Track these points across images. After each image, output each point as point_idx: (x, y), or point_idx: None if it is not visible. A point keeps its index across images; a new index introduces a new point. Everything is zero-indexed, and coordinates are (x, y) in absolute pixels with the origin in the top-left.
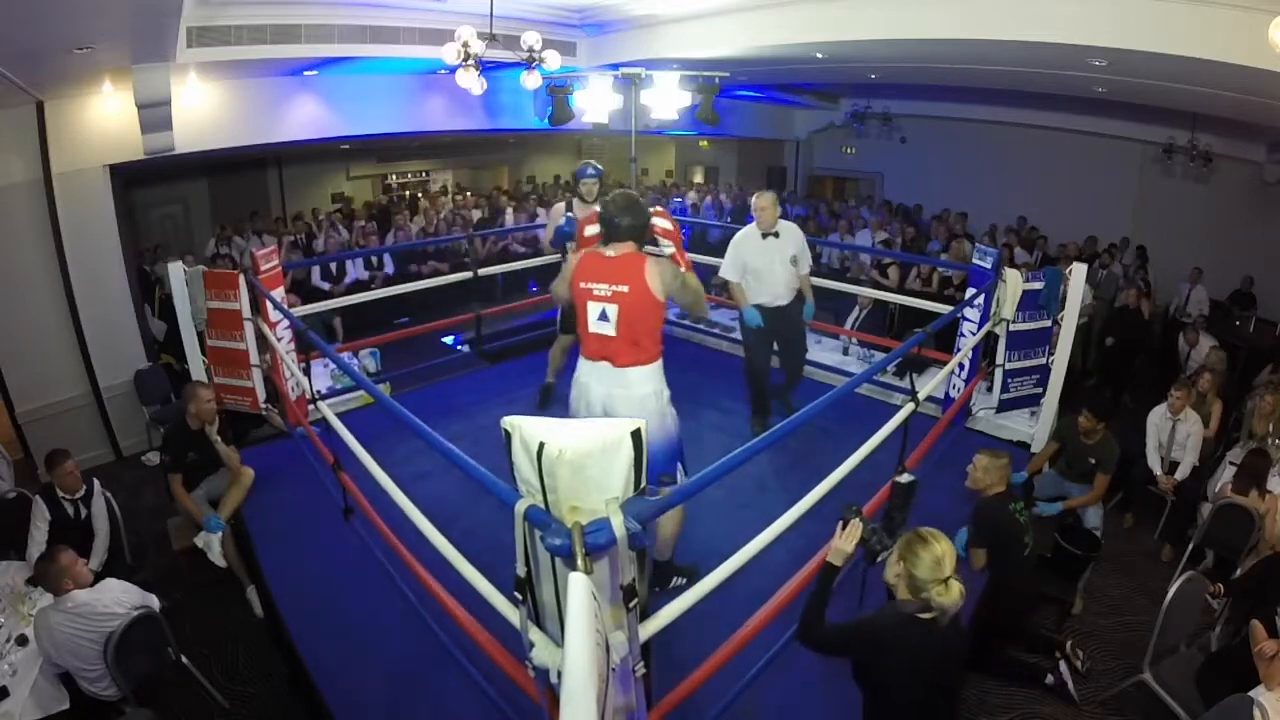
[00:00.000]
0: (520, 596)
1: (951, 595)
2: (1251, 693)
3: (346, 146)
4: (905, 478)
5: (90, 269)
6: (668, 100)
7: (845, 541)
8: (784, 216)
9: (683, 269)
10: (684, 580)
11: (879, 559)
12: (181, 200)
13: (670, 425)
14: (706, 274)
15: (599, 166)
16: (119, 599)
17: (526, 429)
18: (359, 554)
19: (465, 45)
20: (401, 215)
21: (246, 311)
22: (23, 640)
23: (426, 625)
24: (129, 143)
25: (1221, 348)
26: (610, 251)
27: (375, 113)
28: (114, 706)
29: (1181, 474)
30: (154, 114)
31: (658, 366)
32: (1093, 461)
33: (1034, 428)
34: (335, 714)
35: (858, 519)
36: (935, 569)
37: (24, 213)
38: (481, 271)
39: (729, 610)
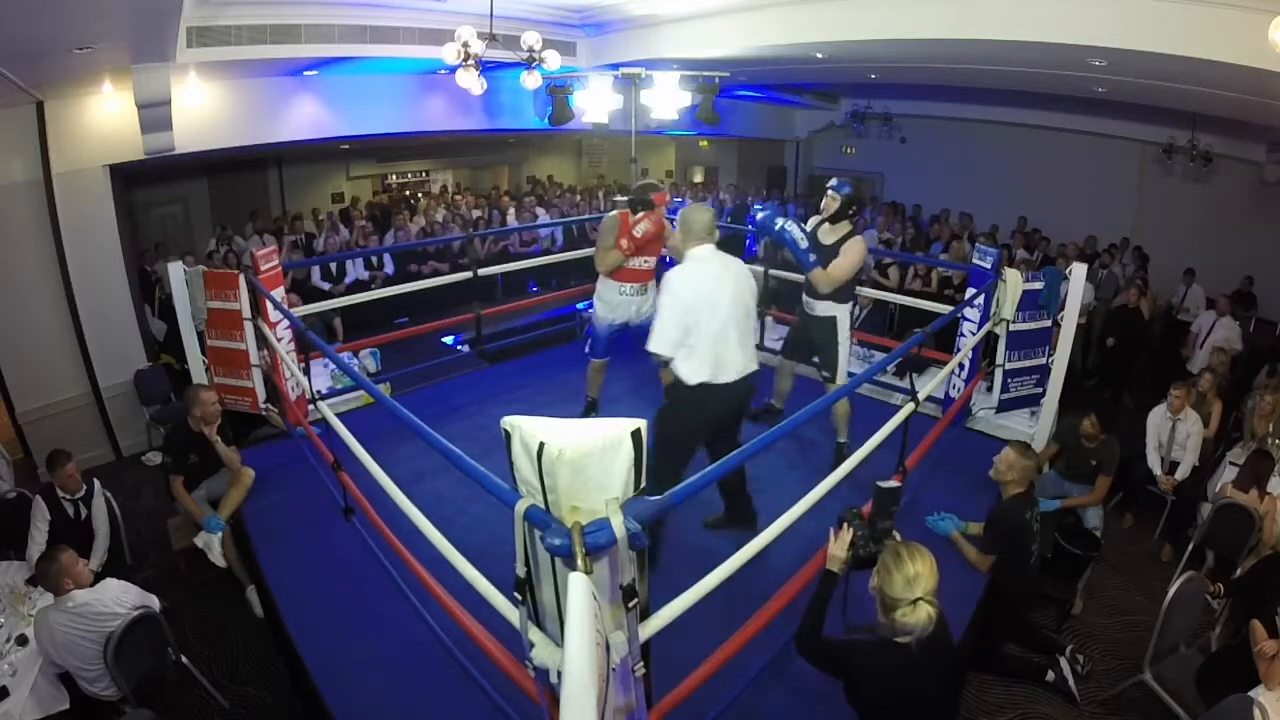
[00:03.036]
0: (520, 596)
1: (918, 617)
2: (1251, 693)
3: (346, 146)
4: (888, 483)
5: (90, 269)
6: (668, 100)
7: (838, 547)
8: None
9: (627, 241)
10: None
11: (862, 567)
12: (181, 200)
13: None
14: None
15: (844, 183)
16: (119, 599)
17: (526, 429)
18: (359, 554)
19: (465, 45)
20: (402, 215)
21: (246, 311)
22: (23, 640)
23: (427, 625)
24: (129, 143)
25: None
26: None
27: (375, 113)
28: (114, 706)
29: (1181, 474)
30: (154, 114)
31: (601, 280)
32: (1094, 463)
33: (1034, 428)
34: (335, 714)
35: (848, 525)
36: (906, 588)
37: (24, 213)
38: (481, 271)
39: (729, 610)
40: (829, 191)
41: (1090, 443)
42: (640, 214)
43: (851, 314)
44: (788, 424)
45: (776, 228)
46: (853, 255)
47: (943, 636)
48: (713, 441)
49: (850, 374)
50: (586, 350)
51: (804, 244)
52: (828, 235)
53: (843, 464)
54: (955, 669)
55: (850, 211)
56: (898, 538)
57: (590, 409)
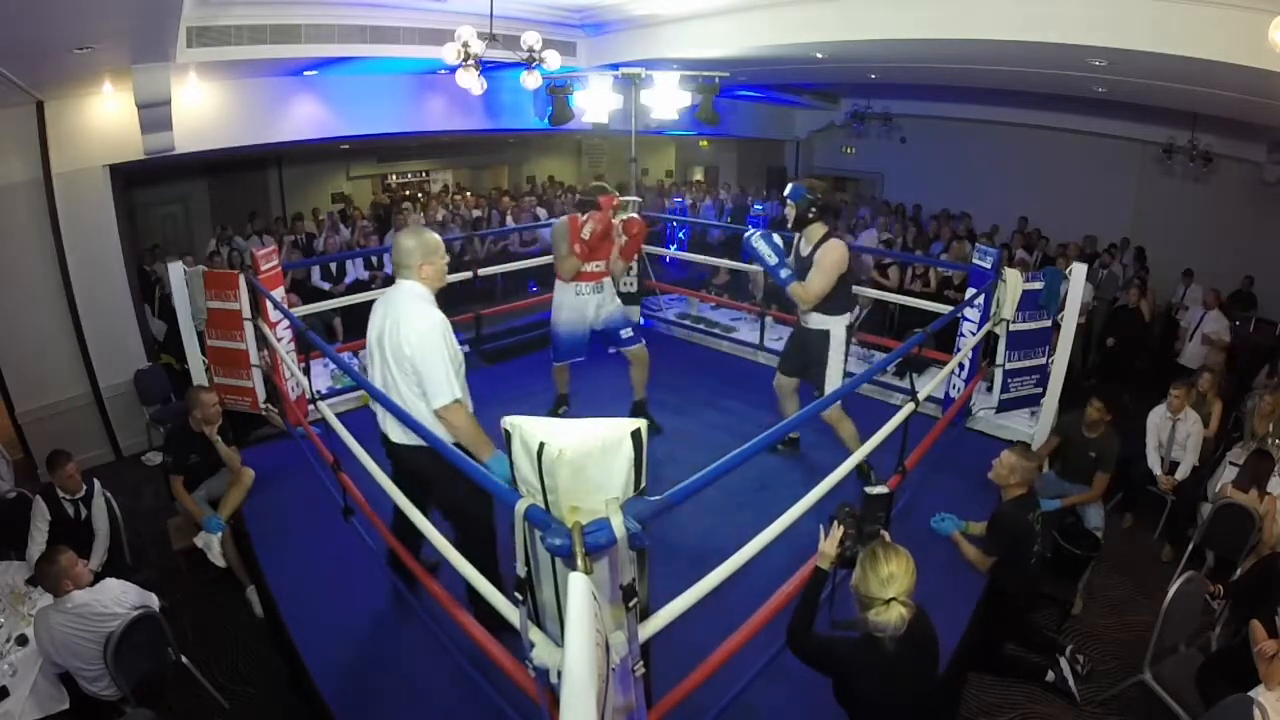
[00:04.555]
0: (520, 596)
1: (890, 617)
2: (1251, 693)
3: (346, 146)
4: (877, 489)
5: (90, 269)
6: (668, 100)
7: (829, 545)
8: (783, 217)
9: (580, 245)
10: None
11: (849, 566)
12: (181, 200)
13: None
14: (708, 272)
15: (797, 188)
16: (119, 599)
17: (526, 429)
18: (359, 554)
19: (465, 45)
20: (401, 216)
21: (246, 311)
22: (23, 640)
23: (427, 626)
24: (129, 143)
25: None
26: None
27: (375, 113)
28: (114, 706)
29: (1181, 474)
30: (154, 114)
31: (558, 289)
32: (1093, 455)
33: (1034, 428)
34: (335, 714)
35: (838, 522)
36: (880, 588)
37: (24, 213)
38: (481, 271)
39: (729, 610)
40: (786, 201)
41: (1092, 431)
42: (586, 216)
43: (850, 327)
44: (788, 423)
45: (749, 245)
46: (826, 263)
47: (925, 636)
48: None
49: (850, 374)
50: (552, 357)
51: (773, 260)
52: (805, 245)
53: (842, 464)
54: (937, 667)
55: (811, 213)
56: (886, 538)
57: (560, 403)
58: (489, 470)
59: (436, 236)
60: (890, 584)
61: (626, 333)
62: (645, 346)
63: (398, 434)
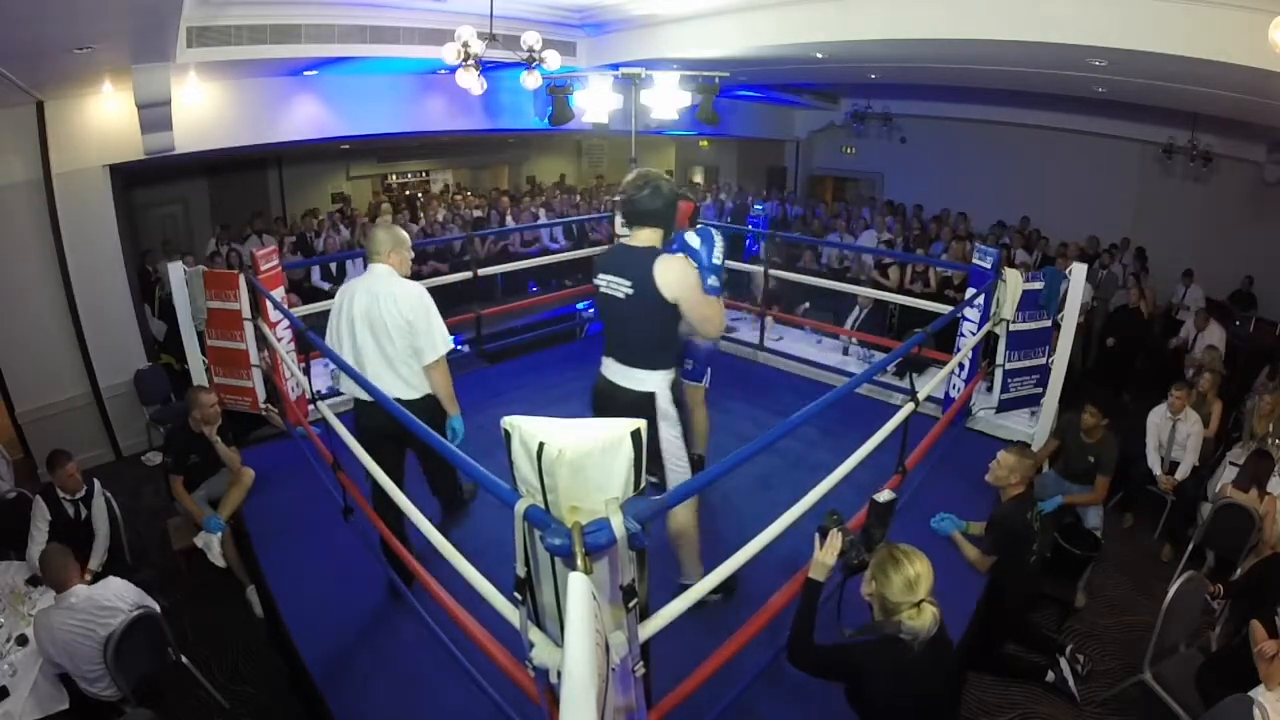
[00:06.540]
0: (520, 596)
1: (924, 619)
2: (1251, 693)
3: (346, 146)
4: (884, 496)
5: (90, 269)
6: (668, 100)
7: (825, 555)
8: (782, 217)
9: None
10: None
11: (856, 573)
12: (181, 200)
13: None
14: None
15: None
16: (120, 594)
17: (526, 429)
18: (359, 554)
19: (465, 45)
20: (401, 215)
21: (246, 311)
22: (23, 640)
23: (426, 625)
24: (129, 143)
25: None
26: None
27: (375, 113)
28: (114, 707)
29: (1181, 474)
30: (154, 114)
31: None
32: (1091, 460)
33: (1034, 428)
34: (335, 714)
35: (837, 530)
36: (907, 591)
37: (24, 213)
38: (481, 271)
39: (729, 610)
40: None
41: (1089, 436)
42: None
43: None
44: (787, 424)
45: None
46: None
47: (941, 632)
48: (381, 462)
49: (849, 374)
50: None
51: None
52: None
53: (842, 464)
54: (955, 663)
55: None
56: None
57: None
58: (452, 430)
59: (405, 234)
60: (918, 586)
61: (689, 363)
62: (703, 392)
63: (402, 390)
